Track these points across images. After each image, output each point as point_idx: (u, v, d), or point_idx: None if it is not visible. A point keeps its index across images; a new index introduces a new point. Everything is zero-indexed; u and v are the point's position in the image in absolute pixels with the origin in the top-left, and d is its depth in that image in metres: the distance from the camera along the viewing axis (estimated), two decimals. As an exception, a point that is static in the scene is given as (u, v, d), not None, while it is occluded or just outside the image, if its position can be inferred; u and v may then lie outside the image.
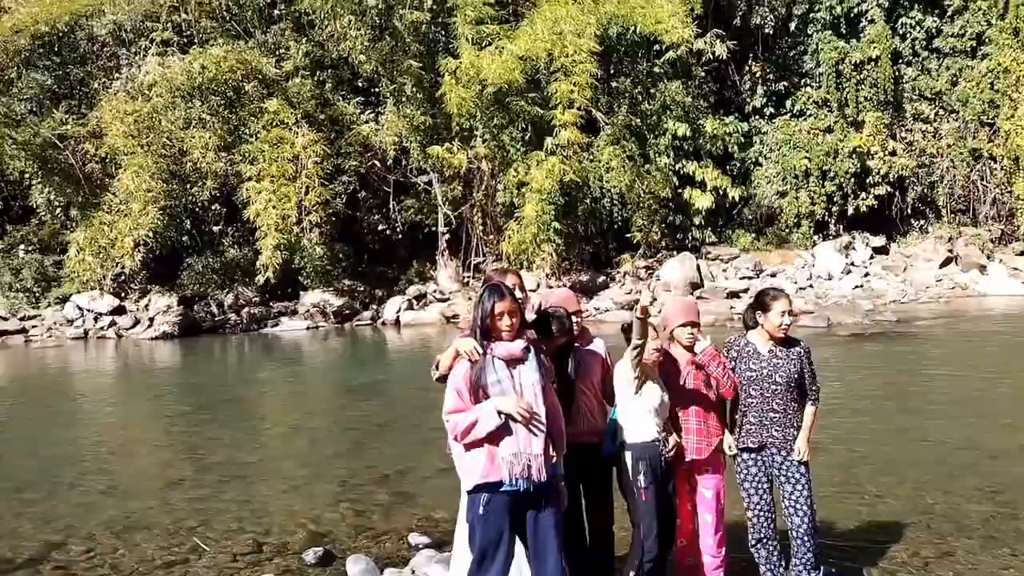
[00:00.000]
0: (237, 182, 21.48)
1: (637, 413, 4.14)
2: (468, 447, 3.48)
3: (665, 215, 24.06)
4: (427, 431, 8.12)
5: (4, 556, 5.60)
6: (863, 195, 24.59)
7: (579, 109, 21.13)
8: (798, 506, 4.35)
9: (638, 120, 24.02)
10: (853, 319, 17.16)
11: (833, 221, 24.97)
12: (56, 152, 22.06)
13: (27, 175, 22.58)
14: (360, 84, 23.91)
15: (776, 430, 4.36)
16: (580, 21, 21.13)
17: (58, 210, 23.43)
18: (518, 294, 3.91)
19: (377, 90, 23.56)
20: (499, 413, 3.41)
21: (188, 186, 22.02)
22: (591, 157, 23.40)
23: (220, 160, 21.47)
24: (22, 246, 23.69)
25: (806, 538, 4.36)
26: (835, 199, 24.63)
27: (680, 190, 24.15)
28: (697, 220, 24.58)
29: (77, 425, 10.59)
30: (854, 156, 24.21)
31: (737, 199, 24.63)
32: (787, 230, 24.94)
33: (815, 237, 24.87)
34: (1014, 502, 6.04)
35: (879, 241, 24.75)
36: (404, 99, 22.40)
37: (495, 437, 3.44)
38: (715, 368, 4.34)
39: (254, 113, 21.92)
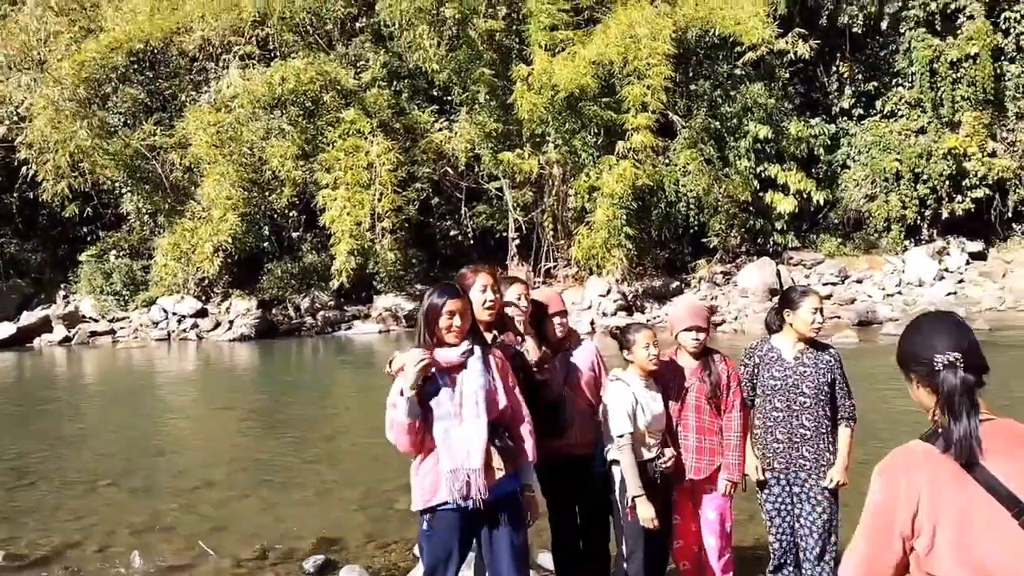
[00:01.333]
0: (314, 189, 21.91)
1: (641, 426, 3.83)
2: (420, 463, 3.26)
3: (744, 219, 23.26)
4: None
5: (19, 552, 5.71)
6: (959, 198, 23.17)
7: (653, 113, 20.66)
8: (814, 528, 3.94)
9: (717, 123, 23.34)
10: (942, 329, 16.10)
11: (926, 225, 23.62)
12: (145, 162, 23.03)
13: (118, 184, 23.65)
14: (435, 93, 24.08)
15: (808, 451, 3.95)
16: (656, 24, 20.64)
17: (146, 217, 24.48)
18: (489, 295, 3.68)
19: (451, 98, 23.68)
20: (402, 393, 3.15)
21: (267, 194, 22.60)
22: (667, 161, 22.87)
23: (298, 168, 21.94)
24: (113, 251, 24.82)
25: (819, 563, 3.94)
26: (928, 202, 23.29)
27: (761, 194, 23.31)
28: (779, 224, 23.65)
29: (138, 423, 10.89)
30: (949, 157, 22.84)
31: (822, 203, 23.57)
32: (876, 235, 23.75)
33: (906, 242, 23.59)
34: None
35: (976, 246, 23.29)
36: (477, 107, 22.42)
37: (427, 447, 3.21)
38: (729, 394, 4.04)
39: (331, 123, 22.31)
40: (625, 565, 3.79)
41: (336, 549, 5.58)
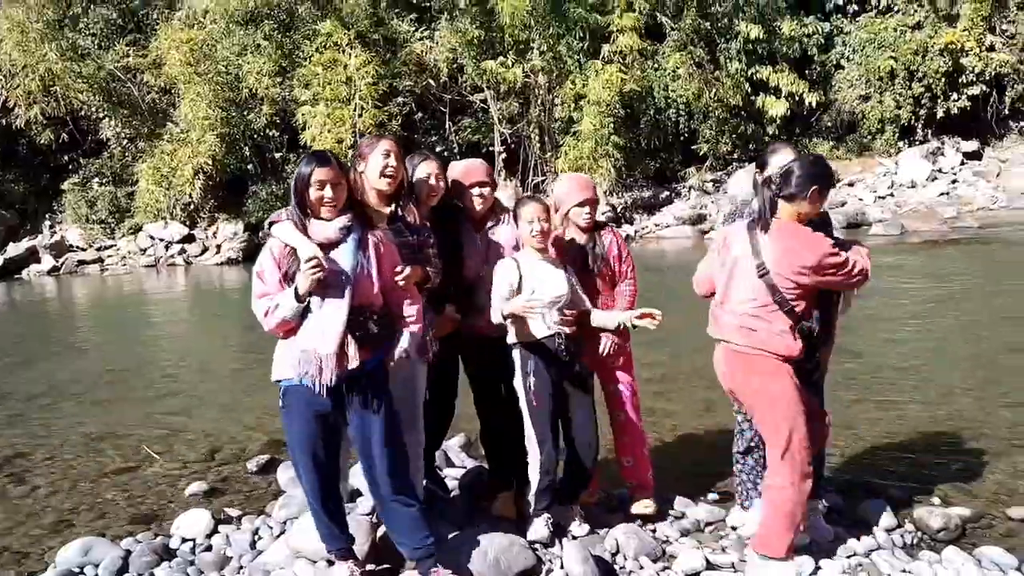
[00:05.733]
0: (294, 107, 21.40)
1: (537, 298, 3.61)
2: (285, 336, 3.07)
3: (736, 125, 22.73)
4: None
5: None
6: (954, 96, 22.58)
7: (640, 13, 19.97)
8: None
9: (707, 24, 22.55)
10: (929, 226, 15.88)
11: (920, 126, 23.10)
12: (120, 85, 22.45)
13: (95, 108, 23.10)
14: (414, 0, 23.26)
15: None
16: (641, -82, 19.80)
17: (126, 142, 23.97)
18: (391, 161, 3.41)
19: (430, 4, 22.87)
20: (298, 297, 2.96)
21: (246, 113, 22.06)
22: (656, 65, 22.21)
23: (276, 85, 21.37)
24: (96, 179, 24.42)
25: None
26: (923, 102, 22.70)
27: (753, 97, 22.73)
28: (771, 129, 23.12)
29: (117, 342, 10.83)
30: (945, 54, 22.14)
31: (815, 105, 23.00)
32: (869, 137, 23.26)
33: (900, 143, 23.12)
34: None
35: (971, 146, 22.81)
36: (457, 13, 21.67)
37: (296, 330, 3.02)
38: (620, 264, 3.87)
39: (307, 36, 21.65)
40: (539, 456, 3.59)
41: (284, 450, 5.48)
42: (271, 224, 3.10)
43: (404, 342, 3.15)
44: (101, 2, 24.12)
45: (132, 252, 22.54)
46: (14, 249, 23.13)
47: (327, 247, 3.01)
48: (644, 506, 3.94)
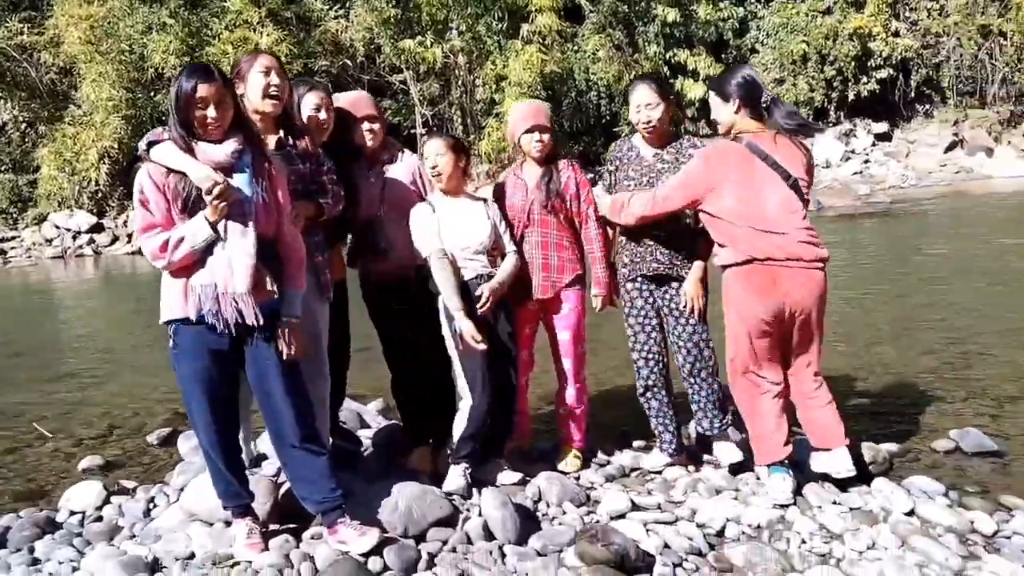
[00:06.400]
0: (204, 88, 20.57)
1: (450, 248, 3.43)
2: (176, 274, 2.77)
3: (655, 108, 22.88)
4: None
5: None
6: (864, 79, 23.28)
7: (558, -6, 19.89)
8: (680, 341, 3.62)
9: (625, 7, 22.64)
10: (844, 202, 16.29)
11: (833, 108, 23.73)
12: (15, 64, 21.20)
13: (-12, 90, 21.82)
14: (328, -23, 22.64)
15: (661, 255, 3.58)
16: None
17: (24, 126, 22.69)
18: (273, 79, 3.11)
19: (344, -19, 22.32)
20: (210, 222, 2.68)
21: (152, 94, 21.09)
22: (576, 48, 22.20)
23: (183, 65, 20.50)
24: (-6, 166, 23.10)
25: (692, 380, 3.67)
26: (835, 84, 23.34)
27: (671, 80, 22.93)
28: (690, 112, 23.41)
29: (14, 330, 10.17)
30: (855, 39, 22.81)
31: (731, 88, 23.35)
32: (784, 119, 23.74)
33: (814, 126, 23.69)
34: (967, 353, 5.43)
35: (881, 127, 23.59)
36: (373, -9, 21.18)
37: (191, 266, 2.74)
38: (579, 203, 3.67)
39: (216, 13, 20.84)
40: (464, 402, 3.42)
41: (187, 423, 5.15)
42: (150, 145, 2.80)
43: (290, 307, 2.88)
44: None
45: (37, 243, 21.37)
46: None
47: (218, 172, 2.72)
48: (570, 464, 3.75)
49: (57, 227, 21.47)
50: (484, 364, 3.36)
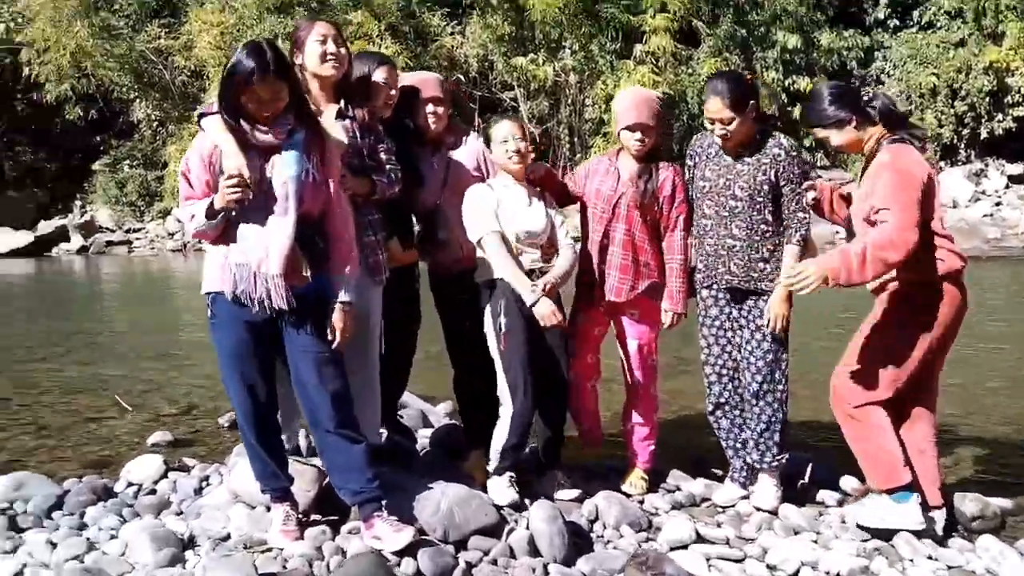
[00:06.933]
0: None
1: (507, 234, 3.23)
2: (215, 243, 2.74)
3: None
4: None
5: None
6: (999, 116, 21.86)
7: (674, 15, 19.59)
8: (752, 358, 3.33)
9: (743, 31, 22.10)
10: (970, 244, 15.27)
11: (963, 145, 22.37)
12: (151, 66, 22.46)
13: (127, 89, 23.14)
14: (447, -6, 23.07)
15: (736, 265, 3.30)
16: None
17: (156, 125, 23.99)
18: (330, 47, 3.00)
19: (461, -1, 22.68)
20: (211, 213, 2.63)
21: (275, 99, 21.94)
22: (690, 71, 21.79)
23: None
24: (127, 161, 24.49)
25: (756, 403, 3.35)
26: (966, 121, 22.00)
27: (789, 108, 22.20)
28: (807, 142, 22.54)
29: (126, 310, 10.71)
30: (990, 72, 21.45)
31: (852, 119, 22.43)
32: (908, 155, 22.62)
33: (942, 163, 22.41)
34: None
35: (1017, 169, 22.06)
36: (489, 8, 21.42)
37: (227, 237, 2.69)
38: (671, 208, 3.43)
39: (339, 24, 21.51)
40: (513, 405, 3.19)
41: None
42: (201, 116, 2.77)
43: (340, 291, 2.77)
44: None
45: (160, 236, 22.56)
46: (45, 227, 23.23)
47: (268, 150, 2.67)
48: (634, 485, 3.51)
49: (179, 221, 22.57)
50: (528, 367, 3.17)
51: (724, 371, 3.44)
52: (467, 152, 3.48)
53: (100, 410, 5.31)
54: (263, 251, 2.63)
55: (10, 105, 24.89)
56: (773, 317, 3.28)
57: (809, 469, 3.65)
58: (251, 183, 2.60)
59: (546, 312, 3.12)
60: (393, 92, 3.30)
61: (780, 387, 3.35)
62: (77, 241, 22.46)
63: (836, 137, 3.11)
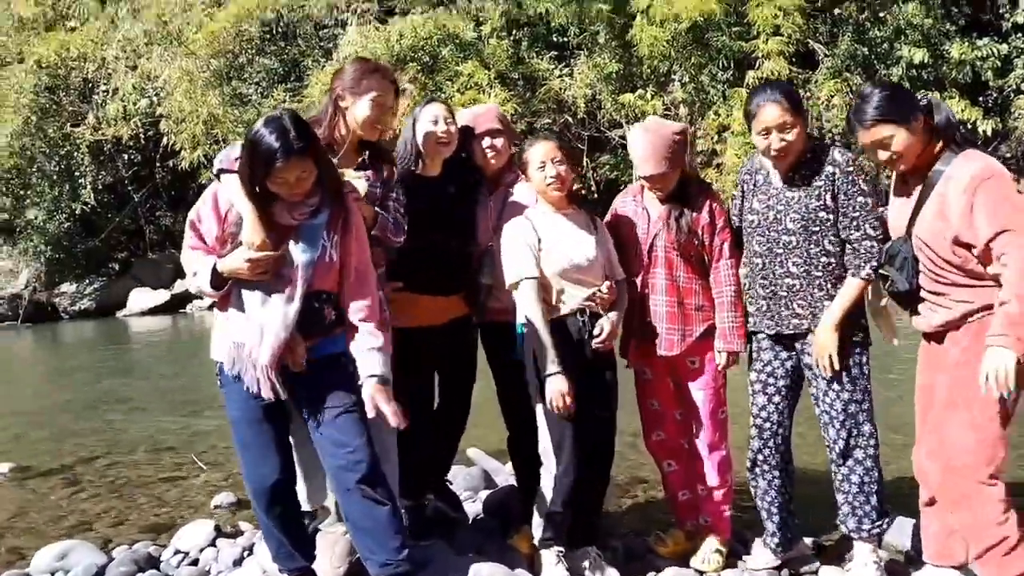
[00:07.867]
0: (436, 147, 21.67)
1: (553, 269, 2.94)
2: (218, 308, 2.64)
3: (899, 157, 20.90)
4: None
5: (26, 464, 5.56)
6: None
7: (787, 38, 18.85)
8: (832, 412, 2.90)
9: (865, 49, 21.01)
10: None
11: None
12: (276, 128, 23.63)
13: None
14: (554, 39, 23.21)
15: (800, 305, 2.89)
16: (788, -61, 18.80)
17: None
18: (385, 117, 2.87)
19: (567, 40, 22.72)
20: (218, 274, 2.49)
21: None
22: (808, 94, 20.84)
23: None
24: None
25: (843, 463, 2.91)
26: None
27: (920, 128, 20.88)
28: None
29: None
30: None
31: (991, 134, 20.71)
32: (1058, 168, 20.71)
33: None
34: None
35: None
36: (596, 48, 21.34)
37: (229, 300, 2.57)
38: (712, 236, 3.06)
39: (449, 77, 21.95)
40: (547, 468, 2.89)
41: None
42: (221, 171, 2.62)
43: (377, 365, 2.56)
44: (265, 53, 25.65)
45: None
46: (180, 285, 24.68)
47: (286, 230, 2.52)
48: (709, 561, 3.09)
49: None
50: (573, 423, 2.84)
51: (767, 425, 3.02)
52: (527, 188, 3.20)
53: (179, 468, 5.33)
54: (257, 336, 2.50)
55: (151, 174, 26.73)
56: (820, 352, 2.82)
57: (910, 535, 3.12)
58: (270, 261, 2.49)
59: (555, 391, 2.80)
60: (444, 129, 3.10)
61: (871, 440, 2.90)
62: (208, 299, 23.76)
63: (901, 137, 2.60)
